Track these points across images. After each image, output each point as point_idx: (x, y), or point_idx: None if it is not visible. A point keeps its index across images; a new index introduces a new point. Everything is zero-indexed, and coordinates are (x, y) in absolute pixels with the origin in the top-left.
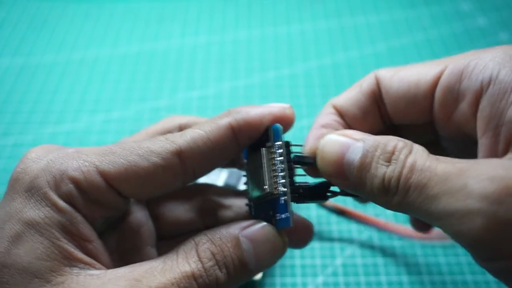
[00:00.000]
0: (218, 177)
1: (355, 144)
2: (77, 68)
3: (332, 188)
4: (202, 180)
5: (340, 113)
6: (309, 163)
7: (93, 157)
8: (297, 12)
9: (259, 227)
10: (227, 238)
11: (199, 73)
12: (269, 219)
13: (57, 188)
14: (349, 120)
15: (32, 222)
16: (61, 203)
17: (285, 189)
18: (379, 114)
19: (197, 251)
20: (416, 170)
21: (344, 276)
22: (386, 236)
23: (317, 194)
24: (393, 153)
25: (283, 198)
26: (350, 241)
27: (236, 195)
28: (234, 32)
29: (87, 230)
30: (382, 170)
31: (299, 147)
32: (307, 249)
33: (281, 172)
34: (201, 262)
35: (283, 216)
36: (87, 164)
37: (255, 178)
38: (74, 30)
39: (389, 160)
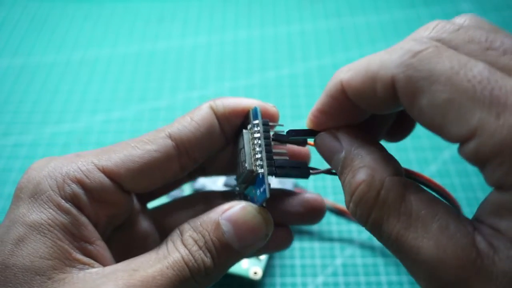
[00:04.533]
0: (217, 178)
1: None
2: (77, 68)
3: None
4: (202, 181)
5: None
6: (290, 141)
7: (91, 157)
8: (297, 12)
9: (238, 208)
10: (207, 224)
11: (199, 73)
12: (253, 199)
13: (60, 190)
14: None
15: (35, 224)
16: (65, 204)
17: (262, 163)
18: None
19: (181, 240)
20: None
21: (344, 276)
22: None
23: (298, 169)
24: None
25: (260, 171)
26: (350, 241)
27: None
28: (234, 32)
29: (89, 231)
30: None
31: (281, 127)
32: (307, 249)
33: (258, 147)
34: (187, 248)
35: (261, 189)
36: (85, 163)
37: (239, 162)
38: (74, 30)
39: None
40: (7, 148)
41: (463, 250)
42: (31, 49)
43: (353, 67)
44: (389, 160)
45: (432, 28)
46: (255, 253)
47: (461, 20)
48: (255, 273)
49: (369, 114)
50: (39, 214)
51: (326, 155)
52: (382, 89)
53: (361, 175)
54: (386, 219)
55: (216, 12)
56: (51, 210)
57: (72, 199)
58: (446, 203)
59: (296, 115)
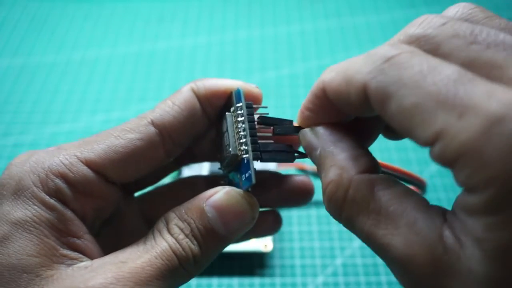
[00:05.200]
0: (201, 167)
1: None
2: (77, 68)
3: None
4: (186, 174)
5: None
6: (275, 124)
7: (73, 149)
8: (297, 12)
9: (222, 193)
10: (192, 211)
11: (199, 73)
12: (238, 184)
13: (43, 185)
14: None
15: (20, 222)
16: (49, 200)
17: (247, 147)
18: None
19: (167, 229)
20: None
21: (344, 276)
22: None
23: (284, 153)
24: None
25: (245, 156)
26: (350, 241)
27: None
28: (234, 32)
29: (75, 226)
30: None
31: (264, 109)
32: (307, 249)
33: (243, 131)
34: (174, 237)
35: (246, 174)
36: (68, 157)
37: (223, 146)
38: (74, 30)
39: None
40: (7, 148)
41: (430, 246)
42: (31, 49)
43: (336, 69)
44: (362, 156)
45: (419, 24)
46: (243, 238)
47: (452, 11)
48: (266, 245)
49: (354, 115)
50: (23, 211)
51: (307, 152)
52: (355, 94)
53: (331, 174)
54: (356, 217)
55: (216, 12)
56: (35, 207)
57: (56, 194)
58: (417, 196)
59: (296, 115)
